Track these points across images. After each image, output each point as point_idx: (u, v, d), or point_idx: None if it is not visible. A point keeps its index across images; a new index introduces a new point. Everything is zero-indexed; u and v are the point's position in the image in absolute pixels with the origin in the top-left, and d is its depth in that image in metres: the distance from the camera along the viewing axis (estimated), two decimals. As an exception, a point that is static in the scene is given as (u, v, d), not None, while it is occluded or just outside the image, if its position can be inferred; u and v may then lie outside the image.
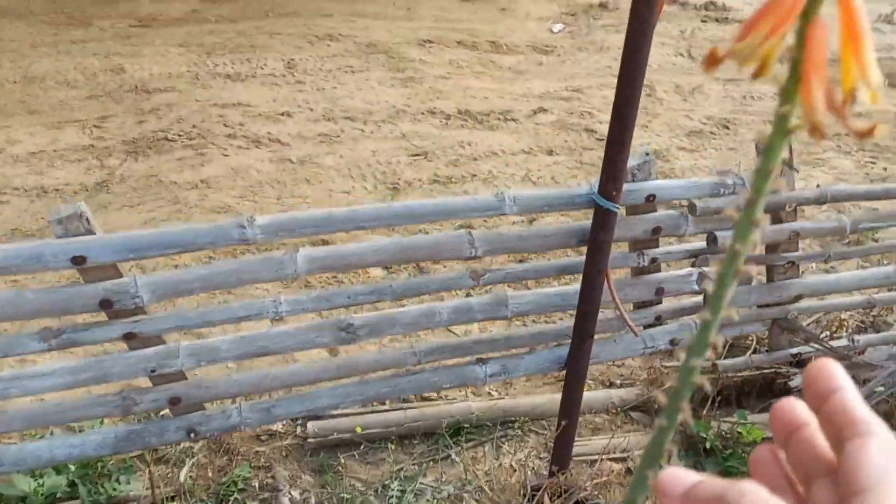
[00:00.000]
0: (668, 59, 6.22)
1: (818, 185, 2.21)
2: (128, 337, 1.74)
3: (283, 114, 5.20)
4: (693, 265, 2.08)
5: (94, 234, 1.64)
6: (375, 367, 2.04)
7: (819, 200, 2.11)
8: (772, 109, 0.33)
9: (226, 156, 4.70)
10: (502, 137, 4.93)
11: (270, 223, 1.73)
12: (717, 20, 7.46)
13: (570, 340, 2.00)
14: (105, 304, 1.67)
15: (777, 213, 2.13)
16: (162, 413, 2.23)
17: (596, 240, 1.75)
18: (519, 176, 4.45)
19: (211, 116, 5.06)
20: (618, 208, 1.71)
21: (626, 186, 1.77)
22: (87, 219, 1.62)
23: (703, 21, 7.41)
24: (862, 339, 2.54)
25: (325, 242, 3.65)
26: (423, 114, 5.21)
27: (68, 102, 5.18)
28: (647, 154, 1.80)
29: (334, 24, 6.61)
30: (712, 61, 0.34)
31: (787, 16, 0.32)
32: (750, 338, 2.75)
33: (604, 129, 3.82)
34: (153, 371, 1.82)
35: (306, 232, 1.76)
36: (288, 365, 2.24)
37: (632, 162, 1.81)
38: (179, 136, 4.85)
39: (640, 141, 4.48)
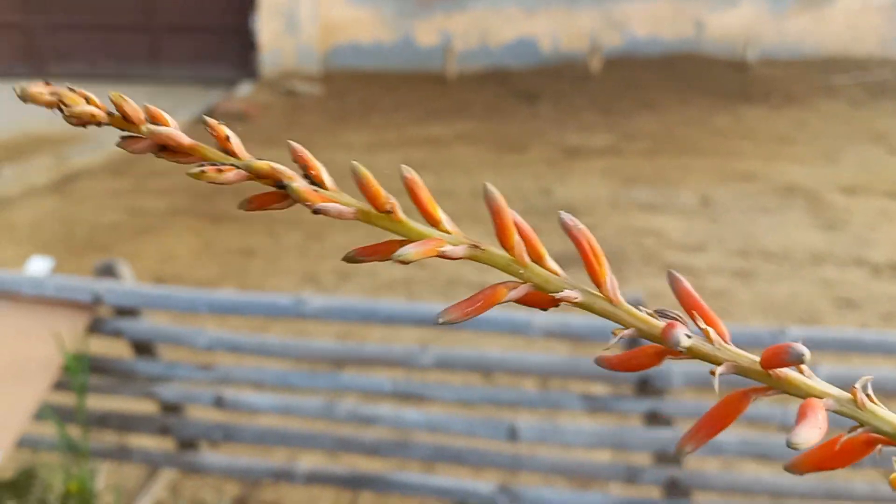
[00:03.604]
0: None
1: None
2: (650, 415, 1.97)
3: (696, 247, 5.40)
4: None
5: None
6: None
7: None
8: None
9: (642, 278, 5.01)
10: (950, 297, 4.46)
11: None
12: None
13: None
14: (642, 382, 1.93)
15: None
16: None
17: None
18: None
19: (627, 240, 5.46)
20: None
21: None
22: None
23: None
24: None
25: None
26: (847, 262, 4.99)
27: (506, 215, 6.04)
28: None
29: (748, 165, 6.73)
30: None
31: None
32: None
33: None
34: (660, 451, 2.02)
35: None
36: (778, 475, 2.25)
37: None
38: (599, 254, 5.32)
39: None
